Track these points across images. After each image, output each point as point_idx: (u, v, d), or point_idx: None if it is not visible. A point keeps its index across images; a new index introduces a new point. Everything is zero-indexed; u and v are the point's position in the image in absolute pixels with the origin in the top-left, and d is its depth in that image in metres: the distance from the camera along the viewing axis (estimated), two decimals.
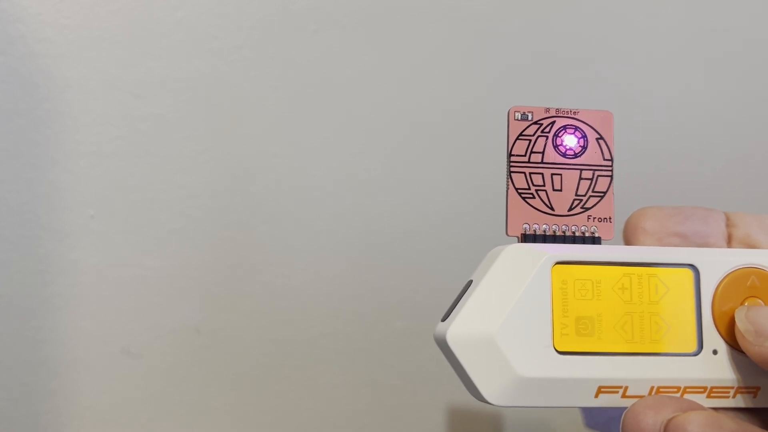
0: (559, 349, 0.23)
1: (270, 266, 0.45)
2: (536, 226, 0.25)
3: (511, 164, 0.25)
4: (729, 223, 0.26)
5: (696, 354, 0.24)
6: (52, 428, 0.44)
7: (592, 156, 0.25)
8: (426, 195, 0.45)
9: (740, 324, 0.23)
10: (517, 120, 0.25)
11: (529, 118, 0.25)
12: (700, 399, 0.24)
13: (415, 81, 0.45)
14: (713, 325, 0.24)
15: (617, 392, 0.23)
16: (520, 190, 0.25)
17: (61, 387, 0.44)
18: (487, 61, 0.46)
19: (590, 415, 0.41)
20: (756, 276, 0.24)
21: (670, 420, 0.22)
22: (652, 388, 0.23)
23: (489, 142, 0.45)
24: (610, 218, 0.25)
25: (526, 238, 0.25)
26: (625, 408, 0.23)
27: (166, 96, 0.43)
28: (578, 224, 0.25)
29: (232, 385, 0.45)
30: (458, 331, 0.23)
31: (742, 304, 0.24)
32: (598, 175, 0.25)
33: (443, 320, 0.25)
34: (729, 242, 0.26)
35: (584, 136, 0.25)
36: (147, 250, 0.44)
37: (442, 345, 0.24)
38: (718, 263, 0.24)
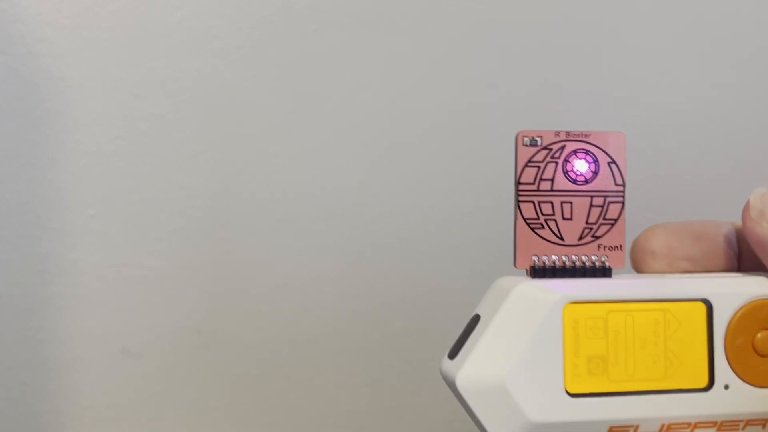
0: (571, 392, 0.23)
1: (270, 266, 0.45)
2: (545, 258, 0.24)
3: (519, 193, 0.24)
4: (739, 237, 0.26)
5: (707, 389, 0.23)
6: (52, 428, 0.44)
7: (603, 182, 0.24)
8: (426, 195, 0.45)
9: (753, 200, 0.23)
10: (526, 146, 0.24)
11: (538, 143, 0.24)
12: None
13: (415, 81, 0.45)
14: (725, 360, 0.23)
15: (628, 431, 0.23)
16: (528, 221, 0.24)
17: (61, 387, 0.44)
18: (488, 60, 0.46)
19: None
20: None
21: None
22: (663, 425, 0.23)
23: (489, 143, 0.45)
24: (620, 246, 0.24)
25: (535, 271, 0.24)
26: None
27: (166, 96, 0.43)
28: (588, 254, 0.24)
29: (232, 385, 0.45)
30: (468, 375, 0.22)
31: (755, 336, 0.23)
32: (609, 202, 0.24)
33: (450, 357, 0.24)
34: (740, 259, 0.26)
35: (596, 161, 0.24)
36: (147, 250, 0.44)
37: (452, 387, 0.23)
38: (731, 296, 0.24)
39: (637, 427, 0.23)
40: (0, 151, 0.42)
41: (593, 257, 0.24)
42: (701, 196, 0.48)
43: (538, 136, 0.24)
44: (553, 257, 0.24)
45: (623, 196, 0.24)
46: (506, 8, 0.46)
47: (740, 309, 0.23)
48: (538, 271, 0.24)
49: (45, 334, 0.43)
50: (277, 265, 0.45)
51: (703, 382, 0.23)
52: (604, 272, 0.24)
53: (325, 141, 0.44)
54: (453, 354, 0.24)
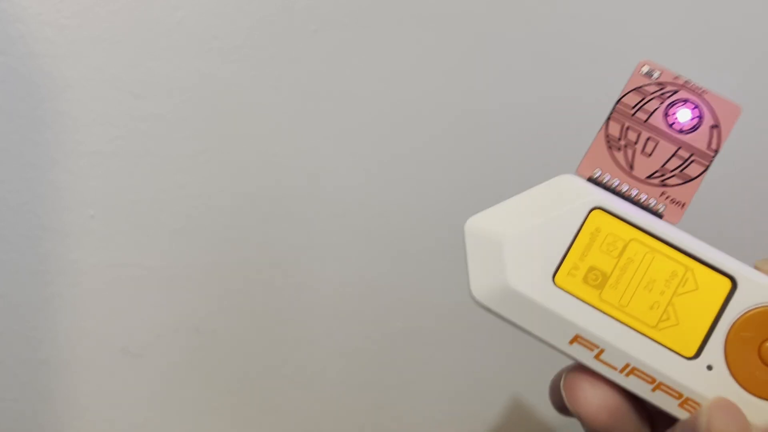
0: (558, 283, 0.23)
1: (270, 266, 0.45)
2: (607, 176, 0.24)
3: (614, 111, 0.24)
4: None
5: (690, 359, 0.23)
6: (52, 428, 0.44)
7: (698, 139, 0.24)
8: (428, 195, 0.45)
9: None
10: (641, 74, 0.24)
11: (654, 76, 0.24)
12: (671, 403, 0.22)
13: (415, 81, 0.45)
14: (723, 344, 0.22)
15: (592, 350, 0.23)
16: (609, 137, 0.24)
17: (61, 387, 0.44)
18: (488, 60, 0.46)
19: None
20: None
21: None
22: (627, 365, 0.22)
23: (492, 142, 0.45)
24: (684, 204, 0.24)
25: (591, 180, 0.24)
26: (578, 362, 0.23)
27: (166, 96, 0.43)
28: (649, 194, 0.24)
29: (232, 385, 0.45)
30: (477, 222, 0.23)
31: (765, 340, 0.22)
32: (694, 160, 0.24)
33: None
34: None
35: (700, 117, 0.24)
36: (147, 250, 0.44)
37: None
38: (760, 289, 0.22)
39: (602, 351, 0.23)
40: (0, 151, 0.42)
41: (652, 199, 0.24)
42: (704, 197, 0.48)
43: (657, 70, 0.24)
44: (615, 180, 0.24)
45: (710, 162, 0.24)
46: (509, 11, 0.46)
47: (764, 305, 0.22)
48: (593, 182, 0.24)
49: (45, 334, 0.43)
50: (277, 265, 0.45)
51: (691, 351, 0.23)
52: (654, 215, 0.24)
53: (325, 141, 0.44)
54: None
